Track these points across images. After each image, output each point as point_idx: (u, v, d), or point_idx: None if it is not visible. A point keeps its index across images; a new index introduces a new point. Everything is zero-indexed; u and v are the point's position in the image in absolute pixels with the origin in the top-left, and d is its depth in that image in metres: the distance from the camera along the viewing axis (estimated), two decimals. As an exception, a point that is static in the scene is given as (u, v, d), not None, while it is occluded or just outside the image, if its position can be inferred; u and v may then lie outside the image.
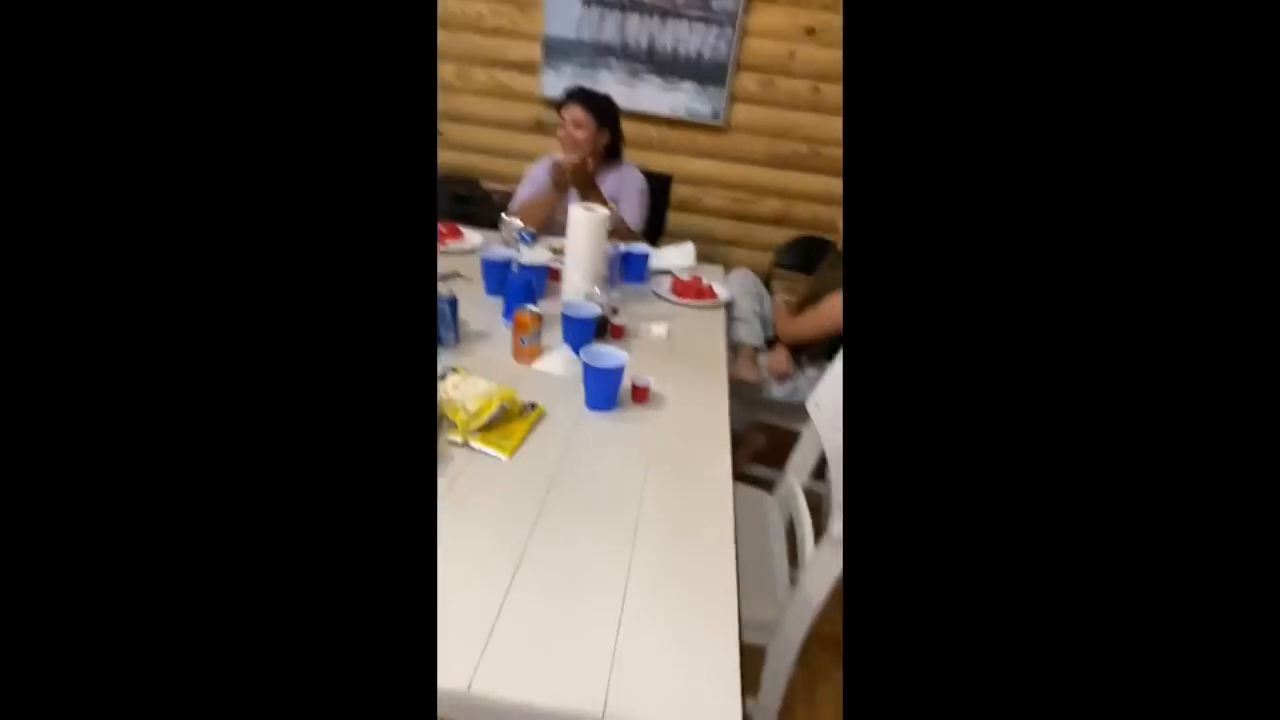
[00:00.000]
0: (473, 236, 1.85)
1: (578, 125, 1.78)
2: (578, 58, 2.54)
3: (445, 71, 2.67)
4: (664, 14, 2.44)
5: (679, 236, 2.71)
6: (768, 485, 1.43)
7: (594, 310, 1.26)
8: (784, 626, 1.03)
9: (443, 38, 2.61)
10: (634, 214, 1.90)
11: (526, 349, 1.20)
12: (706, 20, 2.43)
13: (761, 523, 1.29)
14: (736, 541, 1.22)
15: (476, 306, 1.43)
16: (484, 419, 0.96)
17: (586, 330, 1.25)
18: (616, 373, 1.06)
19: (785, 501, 1.32)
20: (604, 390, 1.07)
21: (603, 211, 1.41)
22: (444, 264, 1.63)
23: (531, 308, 1.20)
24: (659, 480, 0.94)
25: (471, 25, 2.59)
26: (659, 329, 1.42)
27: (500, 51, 2.61)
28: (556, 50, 2.54)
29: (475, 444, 0.94)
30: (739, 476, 1.84)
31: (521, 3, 2.53)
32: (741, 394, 1.71)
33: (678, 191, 2.68)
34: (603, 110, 1.81)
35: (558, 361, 1.19)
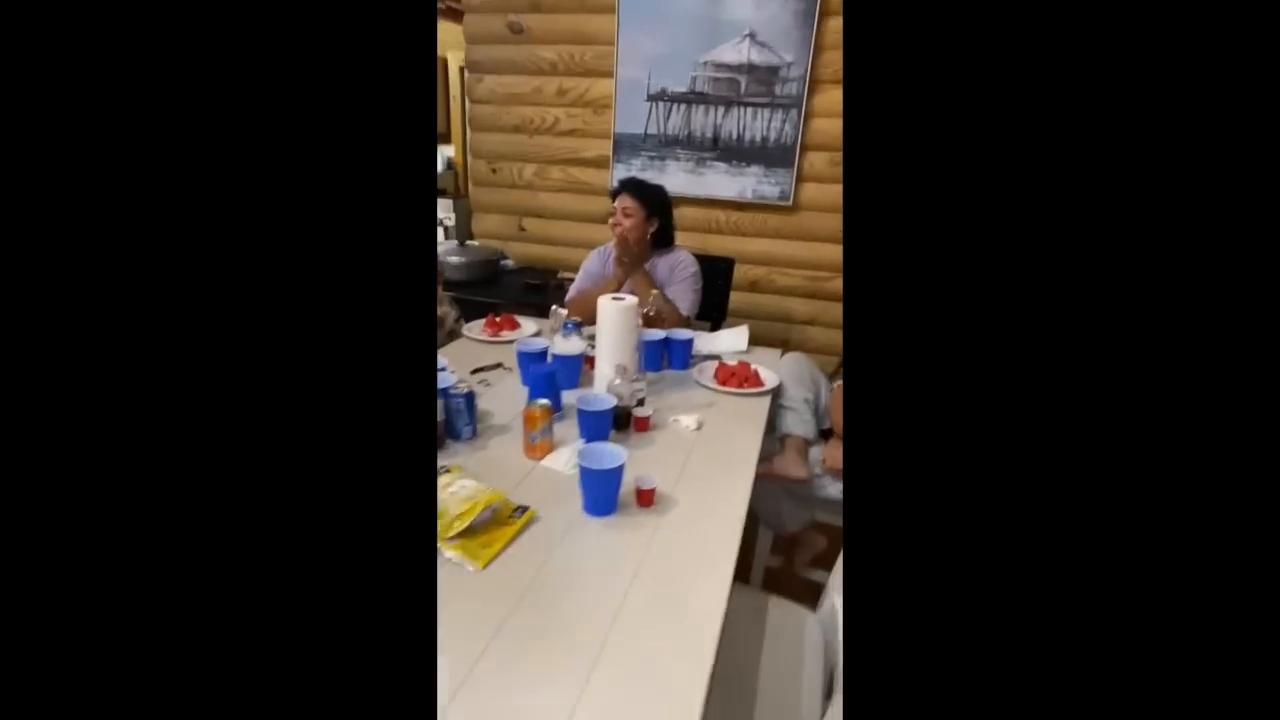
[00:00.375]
0: (528, 326, 1.89)
1: (627, 214, 1.81)
2: (645, 151, 2.63)
3: (526, 172, 2.86)
4: (728, 104, 2.48)
5: (751, 318, 2.63)
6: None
7: (609, 402, 1.21)
8: (805, 785, 0.86)
9: (524, 141, 2.82)
10: (685, 298, 1.87)
11: (536, 445, 1.16)
12: (771, 105, 2.44)
13: (795, 647, 1.12)
14: (759, 670, 1.07)
15: (511, 398, 1.43)
16: (465, 524, 0.92)
17: (602, 424, 1.20)
18: (613, 474, 0.99)
19: (826, 622, 1.15)
20: (600, 493, 1.00)
21: (631, 300, 1.38)
22: (492, 355, 1.67)
23: (542, 401, 1.16)
24: (640, 601, 0.84)
25: (550, 129, 2.77)
26: (688, 420, 1.33)
27: (575, 151, 2.76)
28: (626, 145, 2.65)
29: (447, 552, 0.90)
30: (791, 583, 1.66)
31: (595, 105, 2.68)
32: (795, 492, 1.56)
33: (750, 273, 2.63)
34: (652, 200, 1.84)
35: (564, 458, 1.14)
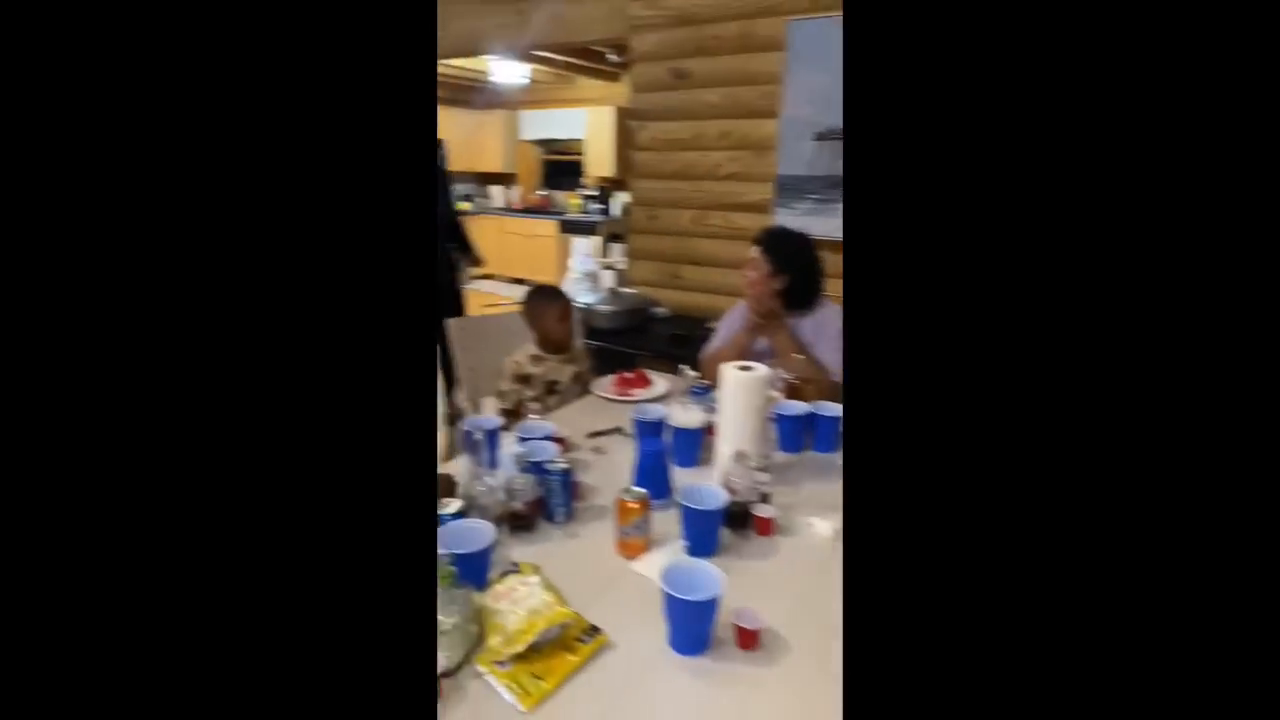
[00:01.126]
0: (660, 385, 1.74)
1: (753, 267, 1.61)
2: (810, 194, 2.40)
3: (683, 219, 2.77)
4: (910, 137, 2.17)
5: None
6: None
7: (719, 498, 1.00)
8: None
9: (682, 186, 2.74)
10: (835, 360, 1.59)
11: (629, 541, 0.99)
12: (963, 137, 2.08)
13: None
14: None
15: (622, 472, 1.27)
16: (523, 644, 0.77)
17: (709, 525, 1.00)
18: (703, 607, 0.78)
19: None
20: (686, 628, 0.79)
21: (762, 370, 1.17)
22: (615, 416, 1.54)
23: (637, 490, 0.99)
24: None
25: (709, 174, 2.66)
26: (824, 526, 1.07)
27: (735, 195, 2.62)
28: (790, 188, 2.44)
29: (493, 680, 0.75)
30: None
31: (758, 147, 2.52)
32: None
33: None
34: (780, 254, 1.61)
35: (660, 563, 0.95)
